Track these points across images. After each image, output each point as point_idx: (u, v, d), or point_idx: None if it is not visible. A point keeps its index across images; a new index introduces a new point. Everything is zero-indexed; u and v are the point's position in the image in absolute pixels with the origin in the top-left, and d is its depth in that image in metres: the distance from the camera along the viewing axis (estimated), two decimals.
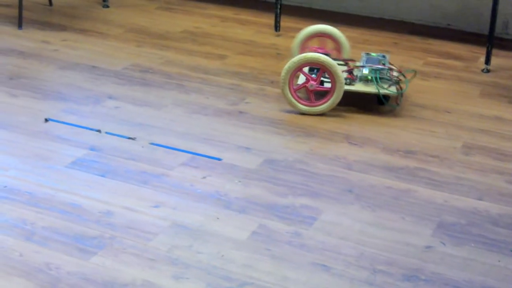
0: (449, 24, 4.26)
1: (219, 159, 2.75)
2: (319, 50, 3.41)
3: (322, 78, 3.14)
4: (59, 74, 3.46)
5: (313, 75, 3.15)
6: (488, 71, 3.66)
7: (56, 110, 3.10)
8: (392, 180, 2.65)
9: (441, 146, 2.91)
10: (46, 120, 3.01)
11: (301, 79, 3.18)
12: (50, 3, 4.43)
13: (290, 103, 3.12)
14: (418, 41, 4.04)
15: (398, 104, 3.21)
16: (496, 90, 3.46)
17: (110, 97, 3.23)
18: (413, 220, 2.42)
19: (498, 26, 3.82)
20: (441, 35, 4.13)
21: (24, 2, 4.20)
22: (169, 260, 2.17)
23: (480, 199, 2.56)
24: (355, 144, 2.91)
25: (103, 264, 2.15)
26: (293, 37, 3.99)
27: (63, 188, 2.52)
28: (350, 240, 2.30)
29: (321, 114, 3.13)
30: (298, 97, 3.12)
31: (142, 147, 2.83)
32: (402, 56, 3.82)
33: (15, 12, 4.15)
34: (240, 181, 2.61)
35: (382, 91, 3.13)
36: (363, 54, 3.35)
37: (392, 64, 3.27)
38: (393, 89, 3.15)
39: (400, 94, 3.16)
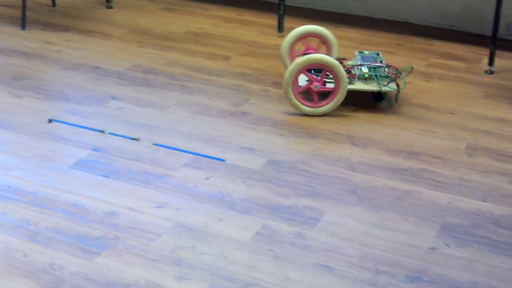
0: (452, 25, 4.26)
1: (222, 160, 2.75)
2: (310, 51, 3.43)
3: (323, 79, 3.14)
4: (62, 75, 3.47)
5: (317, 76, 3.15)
6: (491, 72, 3.66)
7: (59, 110, 3.10)
8: (396, 181, 2.65)
9: (445, 147, 2.91)
10: (50, 120, 3.01)
11: (301, 81, 3.17)
12: (54, 4, 4.43)
13: (294, 106, 3.11)
14: (420, 42, 4.04)
15: (396, 101, 3.22)
16: (499, 91, 3.46)
17: (113, 98, 3.24)
18: (417, 221, 2.42)
19: (501, 27, 3.82)
20: (444, 36, 4.13)
21: (28, 3, 4.21)
22: (173, 261, 2.18)
23: (483, 201, 2.56)
24: (358, 145, 2.91)
25: (106, 264, 2.15)
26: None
27: (67, 189, 2.52)
28: (353, 241, 2.30)
29: (324, 115, 3.13)
30: (302, 98, 3.12)
31: (146, 147, 2.83)
32: (404, 57, 3.82)
33: (18, 12, 4.15)
34: (243, 182, 2.61)
35: (384, 89, 3.15)
36: (356, 52, 3.36)
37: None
38: (393, 86, 3.18)
39: (398, 90, 3.18)
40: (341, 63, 3.26)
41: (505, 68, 3.73)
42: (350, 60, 3.36)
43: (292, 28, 4.11)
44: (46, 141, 2.85)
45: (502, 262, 2.23)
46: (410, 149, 2.89)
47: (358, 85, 3.18)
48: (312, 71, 3.17)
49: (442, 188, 2.62)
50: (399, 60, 3.76)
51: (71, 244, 2.23)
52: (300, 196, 2.53)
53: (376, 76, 3.18)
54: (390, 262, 2.21)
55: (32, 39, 3.90)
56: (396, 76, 3.22)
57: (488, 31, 3.80)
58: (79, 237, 2.27)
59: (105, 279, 2.09)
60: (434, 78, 3.59)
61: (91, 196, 2.49)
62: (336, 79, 3.10)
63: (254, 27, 4.21)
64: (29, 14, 4.16)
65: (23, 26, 4.04)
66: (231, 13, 4.43)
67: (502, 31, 3.97)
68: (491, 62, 3.66)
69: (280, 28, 4.09)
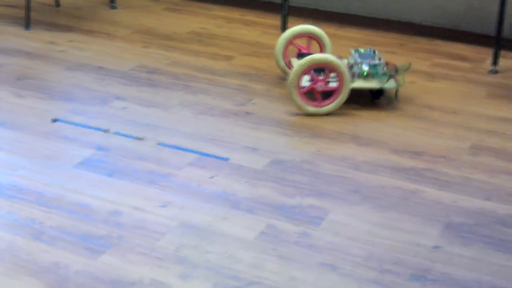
0: (455, 25, 4.25)
1: (226, 159, 2.75)
2: (303, 50, 3.43)
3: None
4: (66, 75, 3.47)
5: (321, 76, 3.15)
6: (495, 72, 3.65)
7: (63, 110, 3.11)
8: (400, 181, 2.65)
9: (449, 147, 2.91)
10: (54, 120, 3.01)
11: (304, 81, 3.17)
12: (57, 4, 4.44)
13: (299, 106, 3.11)
14: (424, 42, 4.04)
15: (396, 98, 3.24)
16: (503, 91, 3.46)
17: (117, 98, 3.24)
18: (421, 220, 2.42)
19: (505, 27, 3.81)
20: (447, 36, 4.13)
21: (31, 3, 4.21)
22: (177, 260, 2.18)
23: (487, 200, 2.56)
24: (363, 145, 2.91)
25: (111, 263, 2.15)
26: (299, 38, 4.00)
27: (71, 188, 2.53)
28: (358, 241, 2.30)
29: (327, 115, 3.13)
30: (306, 99, 3.12)
31: (150, 147, 2.83)
32: (408, 57, 3.82)
33: (22, 13, 4.16)
34: (247, 182, 2.61)
35: (385, 86, 3.18)
36: (352, 50, 3.36)
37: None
38: (393, 83, 3.20)
39: (398, 87, 3.21)
40: None
41: (509, 68, 3.73)
42: (345, 58, 3.37)
43: None
44: (50, 141, 2.85)
45: (507, 261, 2.23)
46: (414, 149, 2.89)
47: (360, 83, 3.19)
48: (312, 71, 3.17)
49: (446, 187, 2.62)
50: (402, 60, 3.76)
51: (76, 243, 2.23)
52: (304, 196, 2.53)
53: (377, 73, 3.20)
54: (394, 261, 2.21)
55: (35, 39, 3.90)
56: (394, 73, 3.24)
57: (492, 31, 3.80)
58: (84, 236, 2.27)
59: (109, 277, 2.09)
60: (438, 78, 3.59)
61: (96, 195, 2.49)
62: (340, 78, 3.10)
63: (257, 27, 4.21)
64: (32, 14, 4.17)
65: (27, 26, 4.05)
66: (234, 13, 4.44)
67: (506, 31, 3.97)
68: (495, 62, 3.66)
69: (283, 28, 4.09)
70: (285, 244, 2.27)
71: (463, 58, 3.84)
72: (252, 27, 4.22)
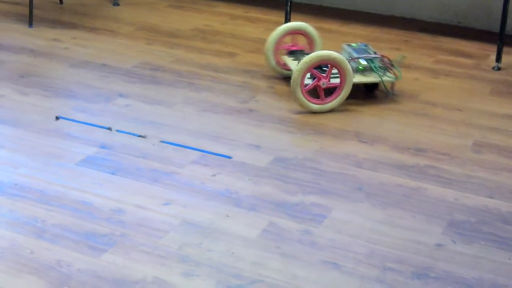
0: (459, 22, 4.25)
1: (229, 157, 2.75)
2: (293, 47, 3.42)
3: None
4: (69, 72, 3.47)
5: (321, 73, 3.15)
6: (499, 69, 3.65)
7: (67, 108, 3.11)
8: (403, 178, 2.65)
9: (452, 144, 2.91)
10: (57, 118, 3.02)
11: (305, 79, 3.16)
12: (61, 1, 4.44)
13: (303, 104, 3.11)
14: (428, 39, 4.03)
15: (393, 91, 3.27)
16: (506, 88, 3.45)
17: (121, 95, 3.24)
18: (424, 218, 2.42)
19: (509, 23, 3.80)
20: (451, 33, 4.12)
21: (35, 0, 4.22)
22: (180, 258, 2.18)
23: (490, 197, 2.55)
24: (365, 142, 2.91)
25: (113, 261, 2.15)
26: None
27: (74, 186, 2.53)
28: (360, 238, 2.30)
29: (330, 112, 3.13)
30: (309, 96, 3.12)
31: (153, 145, 2.83)
32: (412, 54, 3.81)
33: (25, 10, 4.16)
34: (250, 179, 2.61)
35: (385, 79, 3.21)
36: (344, 45, 3.37)
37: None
38: (391, 75, 3.23)
39: (395, 80, 3.25)
40: None
41: None
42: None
43: None
44: (54, 138, 2.86)
45: (509, 259, 2.23)
46: (417, 146, 2.88)
47: (359, 78, 3.19)
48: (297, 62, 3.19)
49: (449, 184, 2.62)
50: (407, 57, 3.75)
51: (78, 241, 2.24)
52: (307, 193, 2.53)
53: (375, 67, 3.23)
54: (397, 259, 2.21)
55: (39, 37, 3.91)
56: (389, 65, 3.26)
57: (496, 28, 3.79)
58: (87, 234, 2.27)
59: (112, 276, 2.09)
60: (441, 74, 3.58)
61: (99, 193, 2.49)
62: (343, 73, 3.10)
63: (260, 24, 4.20)
64: (36, 11, 4.17)
65: (30, 24, 4.05)
66: (238, 10, 4.44)
67: (509, 28, 3.96)
68: (498, 59, 3.65)
69: None
70: (287, 242, 2.27)
71: (467, 55, 3.83)
72: (256, 24, 4.22)
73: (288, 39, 3.50)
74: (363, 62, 3.24)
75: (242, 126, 3.01)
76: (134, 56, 3.69)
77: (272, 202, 2.48)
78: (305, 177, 2.63)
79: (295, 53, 3.41)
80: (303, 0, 4.55)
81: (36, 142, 2.82)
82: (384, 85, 3.25)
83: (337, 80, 3.13)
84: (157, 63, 3.60)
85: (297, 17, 4.17)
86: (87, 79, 3.40)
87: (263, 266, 2.16)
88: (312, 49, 3.45)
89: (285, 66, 3.41)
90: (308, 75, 3.12)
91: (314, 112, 3.12)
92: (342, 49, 3.36)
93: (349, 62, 3.15)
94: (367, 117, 3.11)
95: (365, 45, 3.38)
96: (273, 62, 3.42)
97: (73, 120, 3.00)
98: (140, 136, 2.89)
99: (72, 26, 4.08)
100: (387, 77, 3.22)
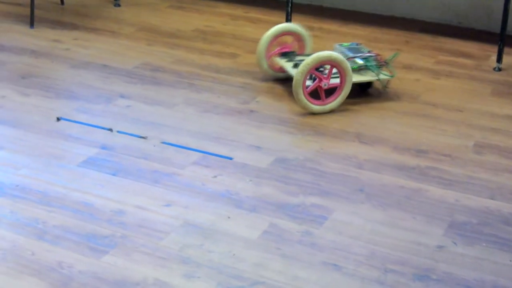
0: (460, 22, 4.24)
1: (230, 158, 2.75)
2: (284, 49, 3.42)
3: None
4: (70, 73, 3.47)
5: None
6: (499, 69, 3.65)
7: (68, 109, 3.11)
8: (404, 179, 2.65)
9: (453, 145, 2.91)
10: (58, 119, 3.02)
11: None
12: (62, 2, 4.44)
13: (305, 106, 3.10)
14: (429, 40, 4.03)
15: (387, 87, 3.30)
16: (507, 88, 3.45)
17: (122, 96, 3.24)
18: (425, 219, 2.42)
19: (510, 24, 3.80)
20: (452, 33, 4.12)
21: (36, 1, 4.22)
22: (181, 259, 2.18)
23: (492, 198, 2.55)
24: (366, 143, 2.90)
25: (114, 263, 2.15)
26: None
27: (75, 187, 2.53)
28: (361, 240, 2.30)
29: (331, 113, 3.13)
30: (311, 98, 3.11)
31: (154, 146, 2.83)
32: (413, 54, 3.81)
33: (27, 11, 4.17)
34: (251, 180, 2.61)
35: (382, 77, 3.23)
36: (336, 45, 3.37)
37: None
38: (386, 73, 3.26)
39: (391, 77, 3.27)
40: None
41: None
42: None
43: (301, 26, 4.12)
44: (55, 139, 2.86)
45: (510, 260, 2.23)
46: (418, 147, 2.88)
47: (356, 77, 3.21)
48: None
49: (450, 186, 2.62)
50: (408, 58, 3.76)
51: (79, 243, 2.24)
52: (307, 194, 2.53)
53: (371, 66, 3.25)
54: (398, 261, 2.21)
55: (40, 38, 3.91)
56: (383, 63, 3.29)
57: (497, 28, 3.79)
58: (88, 235, 2.27)
59: (113, 277, 2.09)
60: (442, 75, 3.58)
61: (100, 194, 2.50)
62: (343, 73, 3.11)
63: (261, 25, 4.20)
64: (37, 12, 4.17)
65: (32, 25, 4.05)
66: (239, 10, 4.44)
67: (510, 28, 3.96)
68: (499, 59, 3.65)
69: None
70: (288, 243, 2.27)
71: (467, 56, 3.83)
72: (256, 24, 4.22)
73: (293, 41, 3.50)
74: (360, 61, 3.25)
75: (242, 127, 3.01)
76: (135, 56, 3.69)
77: (273, 203, 2.48)
78: (306, 178, 2.63)
79: (288, 55, 3.40)
80: (303, 0, 4.55)
81: (37, 143, 2.82)
82: (382, 83, 3.27)
83: (337, 80, 3.14)
84: (158, 64, 3.60)
85: (297, 17, 4.17)
86: (88, 80, 3.40)
87: (264, 267, 2.16)
88: (302, 50, 3.45)
89: (280, 69, 3.40)
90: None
91: (315, 113, 3.12)
92: (334, 49, 3.36)
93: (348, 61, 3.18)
94: (368, 118, 3.11)
95: (357, 44, 3.41)
96: (265, 65, 3.40)
97: (74, 121, 3.00)
98: (141, 137, 2.89)
99: (73, 27, 4.08)
100: (383, 75, 3.25)
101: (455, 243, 2.30)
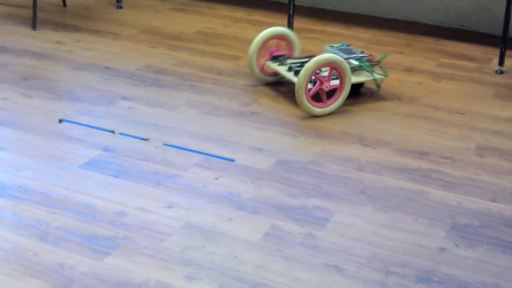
0: (462, 25, 4.25)
1: (231, 160, 2.76)
2: (276, 52, 3.41)
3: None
4: (73, 75, 3.48)
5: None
6: (501, 72, 3.65)
7: (70, 110, 3.11)
8: (405, 182, 2.65)
9: (455, 148, 2.91)
10: (60, 120, 3.02)
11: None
12: (64, 4, 4.45)
13: (307, 110, 3.10)
14: (431, 42, 4.03)
15: (379, 86, 3.32)
16: (509, 91, 3.45)
17: (124, 98, 3.25)
18: (426, 221, 2.42)
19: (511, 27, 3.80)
20: (454, 36, 4.13)
21: (38, 3, 4.22)
22: (182, 261, 2.18)
23: (493, 201, 2.55)
24: (368, 145, 2.91)
25: (116, 264, 2.16)
26: (307, 38, 4.00)
27: (77, 189, 2.53)
28: (362, 242, 2.30)
29: (331, 115, 3.13)
30: (312, 101, 3.11)
31: (156, 147, 2.84)
32: (415, 57, 3.81)
33: (29, 13, 4.17)
34: (252, 182, 2.62)
35: (377, 77, 3.27)
36: (328, 47, 3.39)
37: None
38: (380, 73, 3.31)
39: (385, 77, 3.31)
40: (310, 59, 3.28)
41: None
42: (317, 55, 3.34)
43: (303, 28, 4.12)
44: (57, 141, 2.86)
45: None
46: (420, 149, 2.88)
47: (352, 78, 3.21)
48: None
49: (452, 188, 2.62)
50: (410, 60, 3.76)
51: (81, 244, 2.24)
52: (309, 196, 2.54)
53: (366, 66, 3.28)
54: (399, 263, 2.21)
55: (42, 39, 3.91)
56: (375, 63, 3.33)
57: (499, 31, 3.79)
58: (90, 237, 2.28)
59: (115, 279, 2.09)
60: (444, 78, 3.59)
61: (102, 196, 2.50)
62: (343, 75, 3.12)
63: (263, 27, 4.17)
64: (39, 14, 4.18)
65: (34, 26, 4.06)
66: (241, 13, 4.44)
67: None
68: (501, 62, 3.65)
69: (290, 28, 4.09)
70: (290, 245, 2.27)
71: (469, 58, 3.83)
72: (259, 27, 4.22)
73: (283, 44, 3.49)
74: (354, 62, 3.27)
75: (244, 129, 3.01)
76: (137, 59, 3.69)
77: (275, 205, 2.48)
78: (307, 180, 2.63)
79: (279, 58, 3.38)
80: (306, 3, 4.55)
81: (40, 144, 2.83)
82: (376, 83, 3.29)
83: (335, 82, 3.15)
84: (160, 66, 3.61)
85: (299, 20, 4.18)
86: (90, 81, 3.41)
87: (266, 269, 2.16)
88: (291, 53, 3.45)
89: (273, 73, 3.39)
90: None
91: (316, 115, 3.12)
92: (325, 51, 3.36)
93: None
94: (370, 120, 3.12)
95: (347, 45, 3.43)
96: (257, 70, 3.39)
97: (76, 123, 3.00)
98: (143, 139, 2.90)
99: (75, 29, 4.09)
100: (378, 75, 3.28)
101: (456, 245, 2.30)
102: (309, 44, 3.84)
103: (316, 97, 3.13)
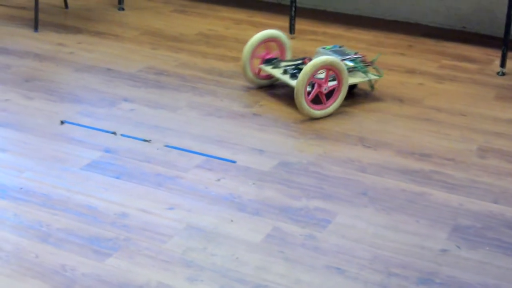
0: (464, 27, 4.25)
1: (233, 162, 2.76)
2: (267, 55, 3.40)
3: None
4: (74, 77, 3.48)
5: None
6: (503, 74, 3.64)
7: (72, 112, 3.12)
8: (407, 183, 2.65)
9: (456, 149, 2.91)
10: (62, 122, 3.02)
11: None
12: (66, 6, 4.45)
13: (307, 114, 3.10)
14: (432, 44, 4.03)
15: (373, 87, 3.33)
16: (511, 93, 3.45)
17: (125, 100, 3.25)
18: (428, 223, 2.42)
19: None
20: (456, 38, 4.12)
21: (40, 5, 4.23)
22: (184, 262, 2.18)
23: (495, 203, 2.55)
24: (369, 147, 2.91)
25: (118, 265, 2.16)
26: (308, 39, 4.01)
27: (79, 190, 2.53)
28: (364, 243, 2.30)
29: (333, 117, 3.13)
30: (312, 104, 3.11)
31: (157, 149, 2.84)
32: (416, 58, 3.81)
33: (31, 14, 4.18)
34: (254, 184, 2.62)
35: (372, 77, 3.29)
36: (320, 49, 3.40)
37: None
38: (375, 73, 3.33)
39: (379, 77, 3.33)
40: (304, 61, 3.28)
41: None
42: (311, 57, 3.33)
43: (304, 30, 4.12)
44: (58, 142, 2.86)
45: None
46: (422, 151, 2.88)
47: (350, 80, 3.22)
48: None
49: (453, 190, 2.62)
50: (411, 62, 3.76)
51: (83, 246, 2.24)
52: (310, 198, 2.54)
53: (361, 67, 3.29)
54: (401, 264, 2.21)
55: (44, 41, 3.91)
56: (369, 63, 3.34)
57: (500, 33, 3.79)
58: (91, 238, 2.28)
59: (117, 280, 2.09)
60: (446, 79, 3.58)
61: (103, 197, 2.50)
62: (340, 76, 3.12)
63: (265, 29, 4.19)
64: (41, 16, 4.18)
65: (36, 28, 4.06)
66: (242, 14, 4.44)
67: None
68: (503, 64, 3.65)
69: (292, 30, 4.10)
70: (291, 247, 2.27)
71: (471, 60, 3.83)
72: (260, 28, 4.20)
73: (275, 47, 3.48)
74: (349, 63, 3.28)
75: (245, 130, 3.01)
76: (138, 60, 3.69)
77: (276, 206, 2.48)
78: (309, 182, 2.63)
79: (272, 61, 3.37)
80: (307, 5, 4.55)
81: (41, 146, 2.83)
82: (371, 84, 3.30)
83: (333, 83, 3.15)
84: (162, 68, 3.61)
85: (301, 22, 4.18)
86: (92, 83, 3.41)
87: (267, 270, 2.16)
88: (283, 56, 3.44)
89: (267, 76, 3.39)
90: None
91: (317, 118, 3.12)
92: (318, 52, 3.36)
93: None
94: (371, 122, 3.11)
95: (340, 47, 3.43)
96: (250, 74, 3.38)
97: (78, 125, 3.01)
98: (144, 140, 2.90)
99: (77, 30, 4.09)
100: (372, 76, 3.30)
101: (458, 247, 2.30)
102: (311, 45, 3.84)
103: (315, 99, 3.13)
